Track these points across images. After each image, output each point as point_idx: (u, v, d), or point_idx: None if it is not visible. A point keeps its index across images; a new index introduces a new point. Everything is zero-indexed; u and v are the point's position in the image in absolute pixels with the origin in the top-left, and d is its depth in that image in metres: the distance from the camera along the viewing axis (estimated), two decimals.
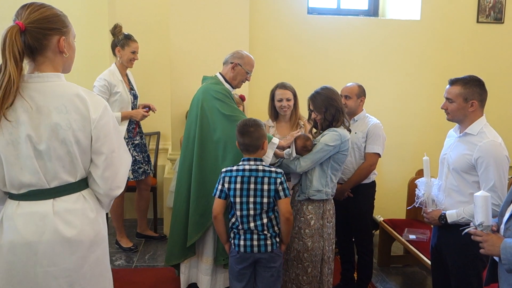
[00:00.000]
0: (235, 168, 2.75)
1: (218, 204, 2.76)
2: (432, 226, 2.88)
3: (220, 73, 3.39)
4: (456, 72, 2.94)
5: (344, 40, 5.01)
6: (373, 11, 5.43)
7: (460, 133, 2.65)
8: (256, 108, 4.06)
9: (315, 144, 2.97)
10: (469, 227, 2.13)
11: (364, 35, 5.05)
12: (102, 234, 1.90)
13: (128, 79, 4.22)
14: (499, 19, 5.18)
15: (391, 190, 5.02)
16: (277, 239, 2.77)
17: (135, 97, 4.21)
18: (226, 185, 2.73)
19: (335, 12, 5.30)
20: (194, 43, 4.45)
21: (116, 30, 4.01)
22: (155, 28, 4.33)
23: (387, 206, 4.84)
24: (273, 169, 2.73)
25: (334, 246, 3.13)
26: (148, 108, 4.24)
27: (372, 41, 5.06)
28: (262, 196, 2.69)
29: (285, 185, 2.70)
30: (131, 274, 3.81)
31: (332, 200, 3.11)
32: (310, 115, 3.13)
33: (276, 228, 2.77)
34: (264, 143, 2.76)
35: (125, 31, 4.08)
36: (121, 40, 4.01)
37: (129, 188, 4.71)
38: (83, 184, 1.85)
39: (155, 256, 4.20)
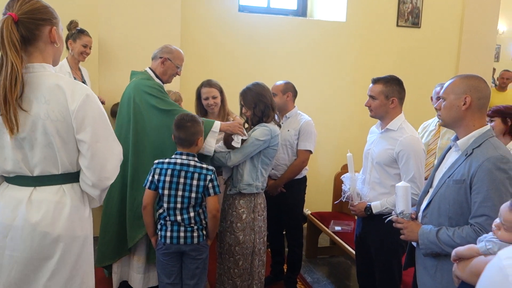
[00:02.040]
0: (166, 160, 2.76)
1: (148, 195, 2.77)
2: (356, 217, 3.05)
3: (149, 68, 3.36)
4: (377, 72, 3.13)
5: (274, 38, 5.13)
6: (302, 11, 5.60)
7: (381, 129, 2.84)
8: (188, 104, 4.04)
9: (246, 138, 3.04)
10: (391, 215, 2.30)
11: (292, 34, 5.20)
12: (75, 234, 1.85)
13: (81, 74, 4.20)
14: (416, 24, 5.55)
15: (318, 184, 5.22)
16: (204, 232, 2.82)
17: None
18: (156, 177, 2.74)
19: (265, 11, 5.42)
20: (124, 38, 4.36)
21: (71, 26, 4.05)
22: (83, 21, 4.19)
23: (315, 200, 5.03)
24: (204, 165, 2.77)
25: (265, 239, 3.22)
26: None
27: (300, 40, 5.22)
28: (190, 191, 2.72)
29: (215, 183, 2.74)
30: None
31: (263, 194, 3.20)
32: (241, 110, 3.19)
33: (203, 222, 2.82)
34: (199, 139, 2.80)
35: None
36: (73, 34, 4.05)
37: None
38: (67, 178, 1.84)
39: None
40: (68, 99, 1.75)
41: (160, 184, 2.73)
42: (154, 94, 3.14)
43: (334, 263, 4.66)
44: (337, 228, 4.22)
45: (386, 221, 2.37)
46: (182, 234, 2.76)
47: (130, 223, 3.17)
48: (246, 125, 3.23)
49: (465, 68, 5.65)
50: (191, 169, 2.73)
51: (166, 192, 2.73)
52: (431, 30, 5.62)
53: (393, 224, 2.26)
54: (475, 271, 1.60)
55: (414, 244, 2.27)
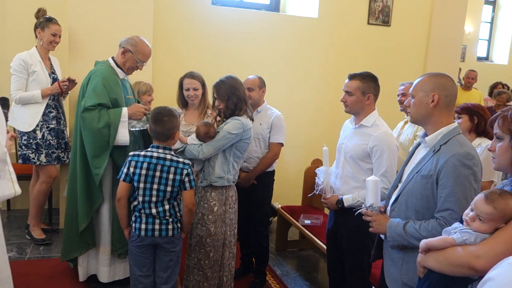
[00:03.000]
0: (142, 153, 2.73)
1: (122, 188, 2.74)
2: (328, 211, 3.10)
3: (112, 57, 3.32)
4: (348, 69, 3.17)
5: (247, 32, 5.13)
6: (275, 6, 5.61)
7: (355, 125, 2.88)
8: (160, 95, 4.02)
9: (218, 131, 3.03)
10: (361, 208, 2.35)
11: (265, 28, 5.21)
12: None
13: (51, 63, 4.15)
14: (386, 22, 5.65)
15: (288, 178, 5.27)
16: (179, 225, 2.81)
17: (54, 80, 4.09)
18: (131, 169, 2.71)
19: (238, 4, 5.41)
20: (95, 27, 4.27)
21: (39, 14, 3.98)
22: (52, 9, 4.11)
23: (285, 194, 5.08)
24: (181, 159, 2.75)
25: (235, 232, 3.24)
26: (68, 79, 4.04)
27: (272, 35, 5.24)
28: (166, 185, 2.71)
29: (191, 177, 2.73)
30: (24, 266, 3.60)
31: (235, 187, 3.21)
32: (214, 102, 3.18)
33: (178, 214, 2.81)
34: (176, 133, 2.77)
35: (21, 12, 3.89)
36: (41, 22, 3.97)
37: (22, 176, 4.45)
38: None
39: (50, 247, 4.01)
40: None
41: (136, 177, 2.70)
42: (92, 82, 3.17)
43: (303, 256, 4.73)
44: (307, 221, 4.27)
45: (355, 214, 2.41)
46: (157, 226, 2.74)
47: (79, 210, 3.22)
48: (219, 118, 3.23)
49: (432, 67, 5.80)
50: (168, 163, 2.71)
51: (141, 185, 2.70)
52: (400, 28, 5.73)
53: (363, 217, 2.31)
54: (452, 261, 1.67)
55: (382, 236, 2.33)
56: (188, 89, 3.64)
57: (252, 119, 3.19)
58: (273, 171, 3.83)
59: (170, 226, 2.77)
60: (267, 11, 5.49)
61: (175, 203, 2.80)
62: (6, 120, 2.06)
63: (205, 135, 3.01)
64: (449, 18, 5.93)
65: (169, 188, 2.71)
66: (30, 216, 4.22)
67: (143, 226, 2.75)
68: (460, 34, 6.20)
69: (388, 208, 2.30)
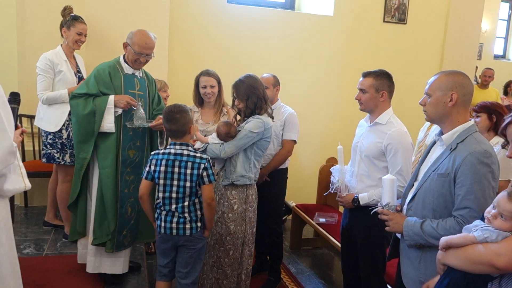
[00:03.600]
0: (161, 151, 2.78)
1: (144, 185, 2.81)
2: (343, 209, 3.10)
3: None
4: (364, 67, 3.16)
5: (262, 30, 5.14)
6: (290, 4, 5.61)
7: (370, 123, 2.88)
8: (176, 93, 4.04)
9: (239, 130, 3.04)
10: (377, 207, 2.33)
11: (280, 26, 5.21)
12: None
13: (76, 62, 4.12)
14: (402, 20, 5.61)
15: (303, 177, 5.27)
16: (198, 224, 2.82)
17: (80, 79, 4.05)
18: (152, 167, 2.76)
19: (254, 2, 5.41)
20: (111, 25, 4.31)
21: (65, 12, 3.93)
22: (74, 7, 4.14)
23: (299, 192, 5.09)
24: (198, 154, 2.77)
25: (254, 230, 3.25)
26: None
27: (287, 33, 5.24)
28: (185, 180, 2.73)
29: (209, 171, 2.74)
30: (42, 262, 3.65)
31: (255, 185, 3.22)
32: (233, 102, 3.19)
33: (198, 212, 2.81)
34: (191, 128, 2.80)
35: (33, 9, 3.89)
36: (67, 21, 3.92)
37: (40, 173, 4.51)
38: None
39: (67, 243, 4.06)
40: None
41: (156, 175, 2.76)
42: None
43: (318, 254, 4.73)
44: (322, 220, 4.27)
45: (371, 213, 2.41)
46: (174, 225, 2.77)
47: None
48: (239, 117, 3.23)
49: (449, 65, 5.75)
50: (185, 158, 2.74)
51: (161, 182, 2.76)
52: (416, 26, 5.69)
53: (379, 216, 2.30)
54: (472, 258, 1.67)
55: (399, 235, 2.32)
56: (205, 87, 3.64)
57: (272, 118, 3.19)
58: (286, 168, 3.83)
59: (187, 226, 2.78)
60: (283, 9, 5.49)
61: (196, 200, 2.80)
62: (16, 115, 2.06)
63: (226, 135, 3.02)
64: (466, 16, 5.87)
65: (188, 184, 2.73)
66: (49, 214, 4.27)
67: (162, 224, 2.78)
68: (477, 32, 6.13)
69: (405, 207, 2.29)
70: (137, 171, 3.22)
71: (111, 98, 3.13)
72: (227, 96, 3.82)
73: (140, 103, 3.18)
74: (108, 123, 3.12)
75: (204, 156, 2.78)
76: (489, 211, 1.72)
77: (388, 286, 2.97)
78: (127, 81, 3.25)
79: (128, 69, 3.27)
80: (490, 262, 1.61)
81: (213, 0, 4.90)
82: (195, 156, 2.75)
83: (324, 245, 4.78)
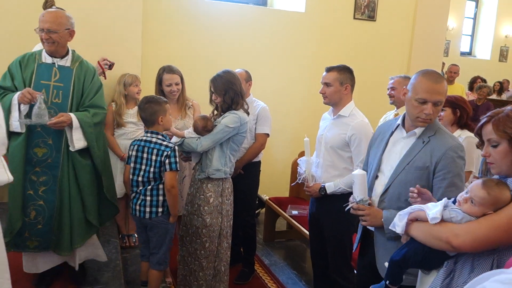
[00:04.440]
0: (138, 138, 3.05)
1: (126, 169, 3.12)
2: (310, 198, 3.20)
3: None
4: (335, 62, 3.22)
5: (235, 26, 5.18)
6: (262, 0, 5.68)
7: (334, 116, 3.00)
8: (149, 88, 4.02)
9: (215, 125, 3.10)
10: (350, 203, 2.35)
11: (253, 22, 5.27)
12: None
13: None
14: (372, 17, 5.75)
15: (275, 170, 5.36)
16: (159, 209, 3.01)
17: None
18: (129, 152, 3.07)
19: None
20: (82, 20, 4.27)
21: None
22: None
23: (273, 185, 5.17)
24: (164, 142, 2.95)
25: (231, 223, 3.32)
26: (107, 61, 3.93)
27: (260, 29, 5.30)
28: (150, 166, 2.96)
29: (172, 159, 2.92)
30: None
31: (230, 179, 3.29)
32: (211, 96, 3.24)
33: (160, 198, 3.00)
34: (159, 118, 2.96)
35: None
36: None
37: None
38: None
39: None
40: None
41: (130, 159, 3.04)
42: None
43: (291, 246, 4.83)
44: (294, 212, 4.37)
45: (346, 210, 2.40)
46: (137, 207, 3.03)
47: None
48: (216, 112, 3.28)
49: (416, 61, 5.93)
50: (152, 145, 2.97)
51: (132, 165, 3.04)
52: (385, 23, 5.83)
53: (352, 211, 2.33)
54: (433, 233, 1.77)
55: (371, 228, 2.37)
56: (170, 85, 3.63)
57: (248, 113, 3.25)
58: (259, 162, 3.92)
59: (147, 209, 3.00)
60: (255, 5, 5.55)
61: (161, 186, 2.99)
62: None
63: (203, 129, 3.08)
64: (433, 13, 6.03)
65: (151, 169, 2.95)
66: None
67: (131, 205, 3.09)
68: (443, 29, 6.33)
69: (375, 199, 2.34)
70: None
71: (17, 94, 2.81)
72: (195, 90, 3.87)
73: (42, 96, 2.78)
74: (14, 121, 2.79)
75: (170, 144, 2.95)
76: (462, 195, 1.81)
77: (355, 272, 3.08)
78: (41, 71, 2.92)
79: (47, 58, 2.94)
80: (447, 240, 1.70)
81: None
82: (161, 144, 2.95)
83: (297, 237, 4.88)
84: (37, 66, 2.91)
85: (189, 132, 3.15)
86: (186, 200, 3.35)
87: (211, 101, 3.30)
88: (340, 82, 2.93)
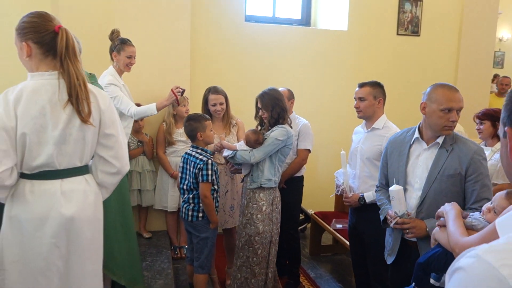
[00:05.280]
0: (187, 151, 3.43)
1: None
2: (350, 209, 3.31)
3: None
4: (378, 79, 3.34)
5: (278, 46, 5.39)
6: (306, 20, 5.87)
7: (367, 129, 3.13)
8: (199, 105, 4.29)
9: (265, 138, 3.33)
10: (393, 219, 2.44)
11: (296, 42, 5.46)
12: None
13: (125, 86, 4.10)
14: (415, 32, 5.78)
15: (320, 185, 5.45)
16: (200, 214, 3.33)
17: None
18: (179, 163, 3.47)
19: (271, 20, 5.69)
20: (138, 48, 4.61)
21: (113, 36, 3.93)
22: (98, 30, 4.44)
23: (318, 200, 5.27)
24: (201, 156, 3.29)
25: (279, 230, 3.50)
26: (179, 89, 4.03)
27: (303, 48, 5.48)
28: (190, 176, 3.33)
29: (204, 172, 3.23)
30: None
31: (278, 189, 3.49)
32: (257, 112, 3.48)
33: (200, 205, 3.33)
34: (198, 134, 3.32)
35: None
36: (117, 45, 3.91)
37: None
38: (85, 169, 2.09)
39: None
40: (99, 100, 2.05)
41: (180, 169, 3.46)
42: None
43: (337, 260, 4.89)
44: (339, 225, 4.45)
45: (391, 225, 2.49)
46: (183, 210, 3.41)
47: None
48: (259, 127, 3.53)
49: (464, 74, 5.87)
50: (192, 158, 3.33)
51: (180, 174, 3.47)
52: (430, 38, 5.84)
53: (396, 225, 2.42)
54: (449, 239, 1.83)
55: (413, 239, 2.44)
56: (214, 105, 3.87)
57: (291, 127, 3.47)
58: (302, 176, 4.05)
59: (190, 213, 3.35)
60: (299, 26, 5.74)
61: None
62: None
63: (255, 142, 3.32)
64: (480, 25, 5.96)
65: (190, 179, 3.32)
66: None
67: (181, 209, 3.46)
68: (492, 41, 6.22)
69: (412, 211, 2.43)
70: None
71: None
72: (241, 109, 4.09)
73: None
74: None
75: (204, 159, 3.23)
76: (487, 205, 1.89)
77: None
78: None
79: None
80: (452, 247, 1.78)
81: (232, 20, 5.19)
82: (197, 158, 3.28)
83: (343, 251, 4.93)
84: None
85: (240, 145, 3.39)
86: (239, 211, 3.58)
87: (256, 116, 3.52)
88: (374, 96, 3.08)
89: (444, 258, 1.89)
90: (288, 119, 3.43)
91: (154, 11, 4.57)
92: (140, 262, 2.78)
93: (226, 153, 3.42)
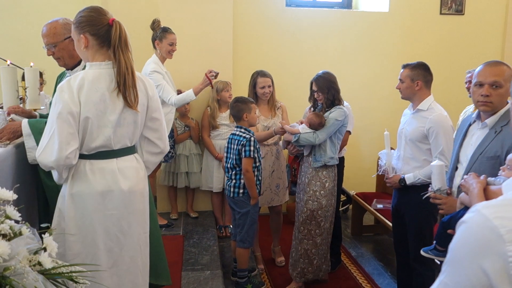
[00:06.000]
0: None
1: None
2: (393, 190, 3.36)
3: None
4: (420, 59, 3.33)
5: (320, 30, 5.44)
6: (347, 3, 5.86)
7: (413, 110, 3.14)
8: (241, 90, 4.45)
9: (325, 120, 3.50)
10: (428, 192, 2.50)
11: (338, 26, 5.48)
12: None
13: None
14: (459, 11, 5.67)
15: (362, 166, 5.50)
16: (241, 190, 3.55)
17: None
18: (225, 144, 3.70)
19: (312, 4, 5.73)
20: (181, 34, 4.80)
21: (154, 25, 4.19)
22: (145, 18, 4.62)
23: (359, 181, 5.33)
24: (244, 134, 3.49)
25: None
26: (213, 73, 4.23)
27: (345, 31, 5.50)
28: (232, 154, 3.54)
29: (247, 148, 3.44)
30: None
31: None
32: (311, 95, 3.65)
33: (242, 181, 3.54)
34: (244, 115, 3.52)
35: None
36: (158, 34, 4.17)
37: None
38: (134, 148, 2.31)
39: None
40: (147, 87, 2.25)
41: (225, 149, 3.68)
42: None
43: (378, 240, 4.96)
44: (379, 206, 4.51)
45: (423, 197, 2.55)
46: (226, 186, 3.66)
47: None
48: (312, 109, 3.69)
49: (511, 55, 5.70)
50: (236, 137, 3.54)
51: (225, 154, 3.69)
52: (475, 17, 5.70)
53: (431, 200, 2.47)
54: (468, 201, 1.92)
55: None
56: (263, 87, 4.02)
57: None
58: (343, 158, 4.12)
59: (232, 189, 3.58)
60: (340, 9, 5.75)
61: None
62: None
63: (319, 124, 3.48)
64: None
65: (233, 156, 3.53)
66: None
67: (226, 186, 3.68)
68: None
69: (454, 189, 2.47)
70: None
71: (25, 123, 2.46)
72: (285, 93, 4.21)
73: None
74: (29, 152, 2.47)
75: (247, 136, 3.45)
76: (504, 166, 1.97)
77: (436, 261, 3.19)
78: None
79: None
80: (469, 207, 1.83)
81: (272, 5, 5.28)
82: (240, 135, 3.49)
83: (385, 231, 5.00)
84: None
85: (303, 128, 3.54)
86: (298, 189, 3.74)
87: (310, 99, 3.70)
88: (411, 79, 3.07)
89: None
90: (342, 100, 3.59)
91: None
92: (165, 261, 2.77)
93: (291, 137, 3.57)
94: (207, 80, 4.15)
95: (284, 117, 4.14)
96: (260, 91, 4.04)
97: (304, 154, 3.68)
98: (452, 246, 0.91)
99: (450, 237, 2.04)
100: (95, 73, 2.11)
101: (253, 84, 4.08)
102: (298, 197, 3.73)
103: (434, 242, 2.13)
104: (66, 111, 2.02)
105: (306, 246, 3.60)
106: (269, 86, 4.04)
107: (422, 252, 2.20)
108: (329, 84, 3.51)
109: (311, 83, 3.61)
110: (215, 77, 4.23)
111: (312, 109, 3.72)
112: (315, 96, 3.59)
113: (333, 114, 3.48)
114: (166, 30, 4.17)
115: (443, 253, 2.12)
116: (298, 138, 3.51)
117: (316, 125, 3.47)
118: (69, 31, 2.47)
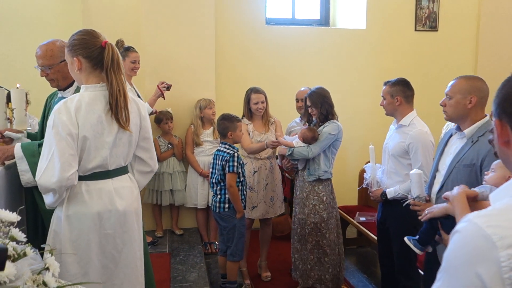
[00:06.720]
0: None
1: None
2: (375, 203, 3.46)
3: None
4: (396, 75, 3.48)
5: (299, 47, 5.55)
6: (325, 20, 6.00)
7: (396, 125, 3.25)
8: (224, 107, 4.51)
9: (319, 134, 3.58)
10: (408, 199, 2.64)
11: (317, 43, 5.61)
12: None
13: (134, 88, 4.43)
14: (433, 28, 5.87)
15: (345, 181, 5.58)
16: (226, 205, 3.60)
17: None
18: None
19: (291, 22, 5.85)
20: (165, 54, 4.85)
21: (118, 45, 4.25)
22: (129, 37, 4.65)
23: (342, 195, 5.37)
24: (228, 150, 3.57)
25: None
26: (164, 82, 4.41)
27: (323, 47, 5.63)
28: (217, 169, 3.62)
29: (230, 163, 3.52)
30: None
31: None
32: (306, 110, 3.73)
33: (226, 196, 3.59)
34: (229, 133, 3.60)
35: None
36: (121, 53, 4.13)
37: None
38: (127, 168, 2.34)
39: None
40: (140, 107, 2.31)
41: (211, 165, 3.75)
42: None
43: (361, 252, 5.04)
44: (362, 218, 4.59)
45: (404, 205, 2.70)
46: (212, 202, 3.70)
47: None
48: (307, 125, 3.76)
49: (483, 69, 5.82)
50: (220, 152, 3.62)
51: (210, 170, 3.76)
52: (448, 33, 5.90)
53: (410, 206, 2.60)
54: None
55: None
56: (257, 103, 4.09)
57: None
58: None
59: (217, 204, 3.62)
60: (318, 26, 5.89)
61: (225, 186, 3.58)
62: None
63: (312, 138, 3.57)
64: (499, 18, 5.97)
65: (217, 172, 3.61)
66: None
67: (212, 202, 3.72)
68: None
69: (433, 196, 2.59)
70: None
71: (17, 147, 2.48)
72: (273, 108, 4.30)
73: None
74: (22, 175, 2.45)
75: (231, 152, 3.51)
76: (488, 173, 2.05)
77: (419, 271, 3.27)
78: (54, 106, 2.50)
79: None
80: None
81: (253, 23, 5.37)
82: (224, 151, 3.57)
83: (368, 244, 5.08)
84: (53, 102, 2.77)
85: (297, 142, 3.62)
86: (295, 202, 3.81)
87: (304, 114, 3.85)
88: (391, 95, 3.19)
89: (452, 217, 1.97)
90: (335, 115, 3.68)
91: (179, 19, 4.79)
92: (153, 279, 2.76)
93: (285, 151, 3.67)
94: (158, 91, 4.38)
95: (278, 131, 4.23)
96: (254, 106, 4.11)
97: (299, 168, 3.75)
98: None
99: (432, 234, 2.13)
100: (91, 95, 2.14)
101: (247, 100, 4.16)
102: (294, 211, 3.80)
103: (416, 236, 2.21)
104: (65, 132, 2.04)
105: (318, 255, 3.66)
106: (262, 102, 4.11)
107: (405, 239, 2.28)
108: (322, 99, 3.60)
109: (305, 99, 3.70)
110: (168, 89, 4.42)
111: (306, 124, 3.81)
112: (309, 111, 3.67)
113: (326, 129, 3.57)
114: (128, 49, 4.33)
115: (421, 248, 2.19)
116: (292, 152, 3.60)
117: (310, 139, 3.56)
118: (65, 53, 2.41)
